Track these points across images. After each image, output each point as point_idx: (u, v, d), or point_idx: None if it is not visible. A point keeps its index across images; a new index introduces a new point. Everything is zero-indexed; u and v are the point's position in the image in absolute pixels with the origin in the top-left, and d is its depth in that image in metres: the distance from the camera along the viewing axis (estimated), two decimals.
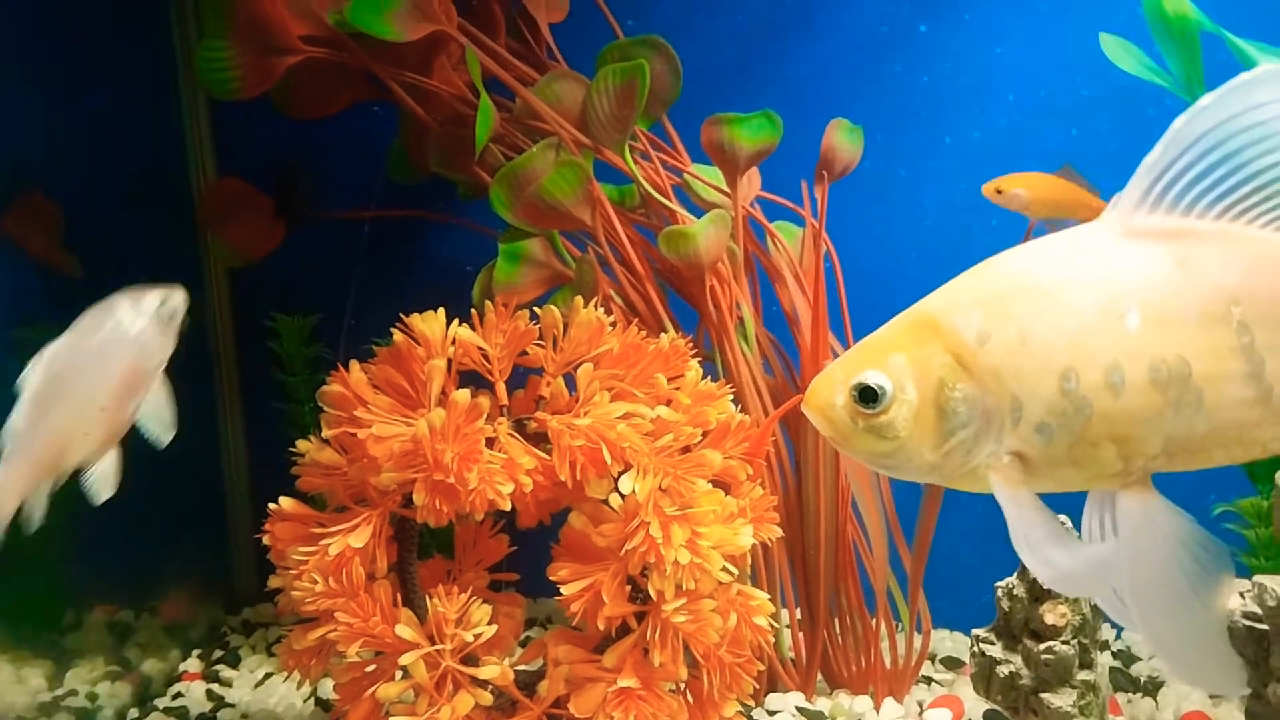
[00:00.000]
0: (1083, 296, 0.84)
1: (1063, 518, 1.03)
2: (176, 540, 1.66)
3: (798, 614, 1.36)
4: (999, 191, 1.34)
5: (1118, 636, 1.58)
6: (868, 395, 0.86)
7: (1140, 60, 1.39)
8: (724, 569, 1.11)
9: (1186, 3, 1.28)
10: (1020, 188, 1.31)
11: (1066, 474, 0.87)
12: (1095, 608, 1.20)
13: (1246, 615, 1.04)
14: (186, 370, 1.68)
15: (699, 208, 1.41)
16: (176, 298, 1.07)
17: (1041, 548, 0.84)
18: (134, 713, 1.47)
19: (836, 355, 1.35)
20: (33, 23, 1.38)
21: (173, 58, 1.57)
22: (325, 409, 1.20)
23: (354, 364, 1.21)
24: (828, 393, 0.88)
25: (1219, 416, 0.85)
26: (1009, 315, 0.85)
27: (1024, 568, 1.20)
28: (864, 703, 1.35)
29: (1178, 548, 0.86)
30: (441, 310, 1.21)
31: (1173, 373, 0.84)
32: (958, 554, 1.46)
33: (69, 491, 1.54)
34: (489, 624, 1.14)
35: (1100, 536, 0.88)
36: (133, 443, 1.57)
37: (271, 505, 1.19)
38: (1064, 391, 0.84)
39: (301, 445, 1.21)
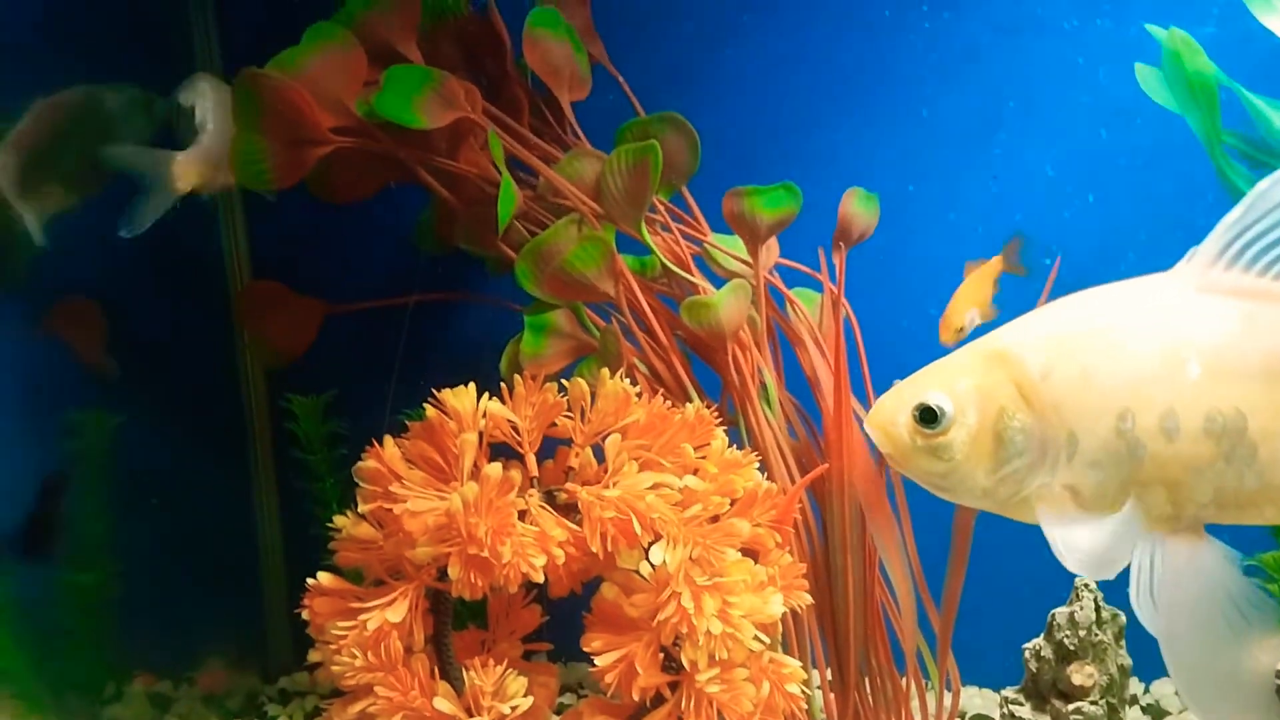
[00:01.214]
0: (1147, 342, 0.88)
1: None
2: (213, 610, 1.69)
3: (828, 675, 1.38)
4: (959, 330, 1.37)
5: (1146, 690, 1.58)
6: (928, 416, 0.90)
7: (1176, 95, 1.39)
8: (755, 637, 1.13)
9: (1206, 59, 1.31)
10: (968, 310, 1.34)
11: (1112, 497, 0.90)
12: (1123, 667, 1.21)
13: None
14: (223, 446, 1.73)
15: (719, 276, 1.44)
16: None
17: (1077, 541, 0.87)
18: None
19: (859, 417, 1.38)
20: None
21: None
22: (361, 484, 1.23)
23: (388, 439, 1.24)
24: (891, 411, 0.92)
25: (1272, 473, 0.87)
26: (1074, 353, 0.89)
27: (1050, 628, 1.22)
28: None
29: (1222, 598, 0.88)
30: (472, 385, 1.24)
31: (1228, 425, 0.86)
32: (985, 612, 1.47)
33: (107, 568, 1.59)
34: (525, 695, 1.16)
35: (1149, 571, 0.89)
36: (170, 520, 1.62)
37: (310, 580, 1.22)
38: (1119, 431, 0.87)
39: (339, 521, 1.24)
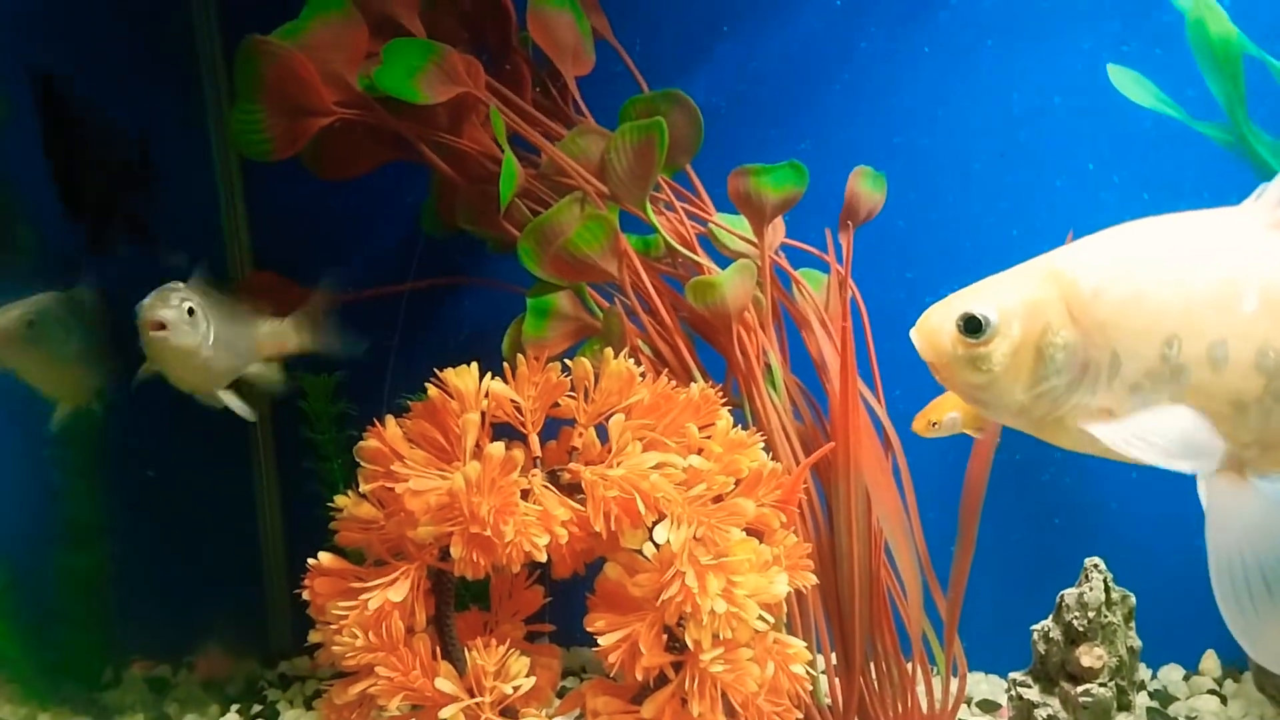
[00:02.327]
0: (1204, 270, 0.86)
1: None
2: (213, 595, 1.68)
3: (833, 659, 1.36)
4: (933, 424, 1.36)
5: (1154, 676, 1.57)
6: (973, 325, 0.90)
7: (1151, 92, 1.41)
8: (760, 617, 1.11)
9: (1230, 25, 1.30)
10: (951, 411, 1.32)
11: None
12: (1133, 649, 1.20)
13: None
14: (222, 430, 1.72)
15: (725, 256, 1.43)
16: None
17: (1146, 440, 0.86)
18: None
19: (865, 400, 1.37)
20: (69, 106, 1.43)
21: (204, 123, 1.60)
22: (362, 464, 1.22)
23: (389, 419, 1.22)
24: (938, 319, 0.92)
25: None
26: (1127, 274, 0.88)
27: (1059, 609, 1.20)
28: None
29: (1265, 538, 0.86)
30: (474, 364, 1.23)
31: None
32: (992, 596, 1.46)
33: (104, 552, 1.58)
34: (527, 676, 1.15)
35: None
36: (168, 503, 1.61)
37: (311, 560, 1.20)
38: (1164, 356, 0.87)
39: (339, 500, 1.23)
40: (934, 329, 0.92)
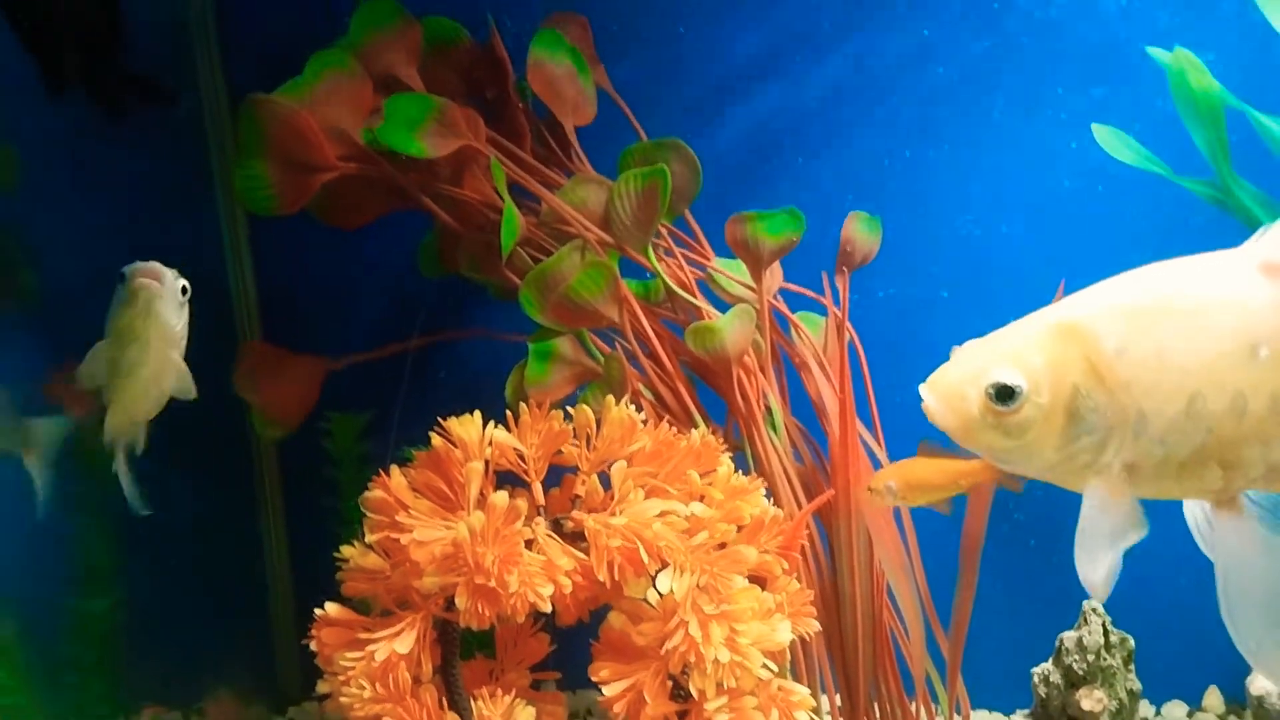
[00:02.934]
0: (1220, 323, 0.87)
1: None
2: (222, 641, 1.69)
3: (838, 701, 1.37)
4: (870, 489, 1.35)
5: (1157, 713, 1.57)
6: (1004, 394, 0.88)
7: (1136, 150, 1.43)
8: (764, 665, 1.12)
9: (1211, 79, 1.32)
10: (890, 479, 1.32)
11: (1169, 486, 0.90)
12: (1132, 692, 1.21)
13: None
14: (229, 474, 1.73)
15: (723, 300, 1.45)
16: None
17: (1097, 551, 0.88)
18: None
19: (864, 441, 1.38)
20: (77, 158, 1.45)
21: (211, 181, 1.63)
22: (368, 514, 1.23)
23: (394, 469, 1.24)
24: (958, 384, 0.89)
25: None
26: (1148, 331, 0.88)
27: (1059, 652, 1.21)
28: None
29: (1269, 563, 0.88)
30: (478, 413, 1.24)
31: None
32: (994, 635, 1.47)
33: (112, 599, 1.59)
34: None
35: (1206, 530, 0.91)
36: (177, 551, 1.62)
37: (318, 611, 1.22)
38: (1190, 413, 0.87)
39: (346, 551, 1.24)
40: (957, 395, 0.89)
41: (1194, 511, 0.91)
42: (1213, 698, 1.57)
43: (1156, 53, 1.37)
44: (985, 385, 0.88)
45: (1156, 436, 0.87)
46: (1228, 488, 0.89)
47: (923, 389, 0.91)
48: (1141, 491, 0.90)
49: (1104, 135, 1.41)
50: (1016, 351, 0.89)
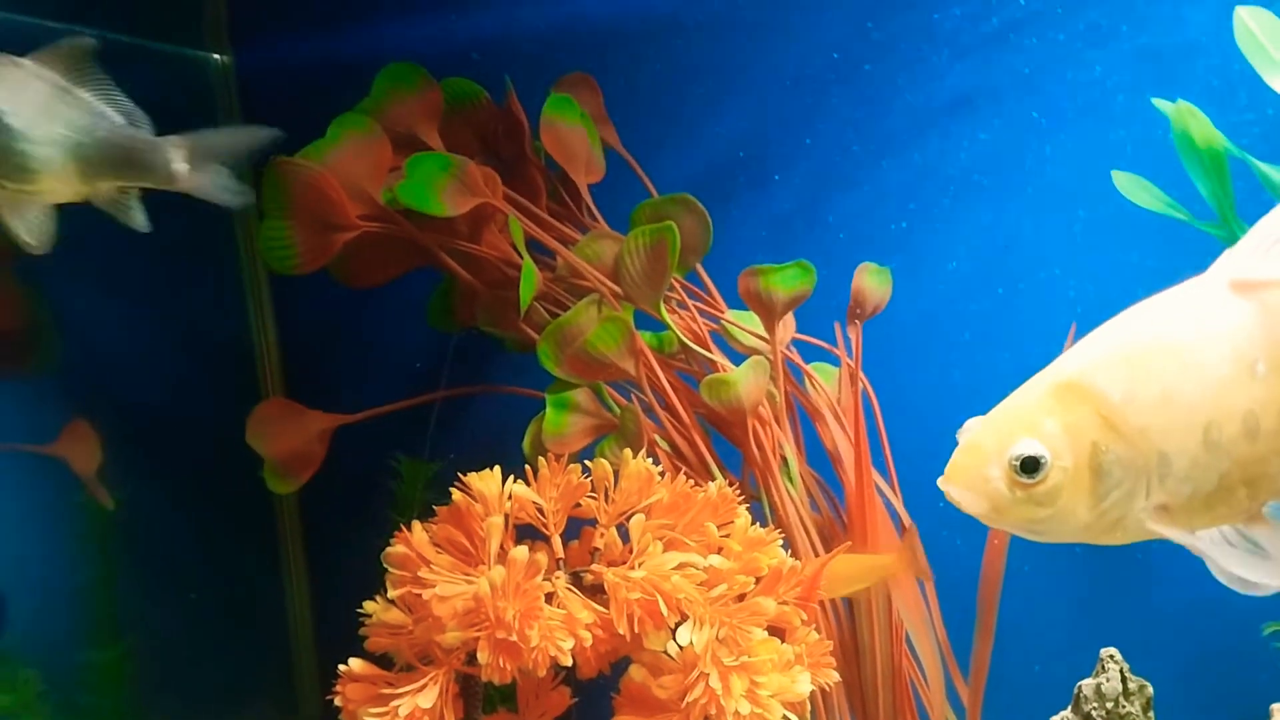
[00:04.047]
0: (1214, 350, 0.88)
1: None
2: (242, 690, 1.70)
3: None
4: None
5: None
6: (1029, 465, 0.87)
7: (1156, 196, 1.44)
8: (785, 717, 1.13)
9: (1214, 130, 1.35)
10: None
11: (1200, 518, 0.90)
12: None
13: None
14: (248, 522, 1.75)
15: (737, 352, 1.47)
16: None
17: (1249, 569, 0.88)
18: None
19: (880, 490, 1.39)
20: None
21: (234, 240, 1.66)
22: (390, 570, 1.24)
23: (415, 524, 1.25)
24: (979, 466, 0.89)
25: None
26: (1149, 374, 0.88)
27: (1077, 700, 1.22)
28: None
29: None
30: (497, 468, 1.26)
31: None
32: (1013, 682, 1.47)
33: (130, 649, 1.60)
34: None
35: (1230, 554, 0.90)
36: (193, 596, 1.63)
37: (342, 666, 1.23)
38: (1208, 443, 0.88)
39: (369, 606, 1.25)
40: (981, 479, 0.88)
41: (1211, 539, 0.90)
42: None
43: (1160, 104, 1.39)
44: (1008, 461, 0.87)
45: (1181, 474, 0.88)
46: (1253, 506, 0.89)
47: (943, 483, 0.90)
48: (1179, 528, 0.90)
49: (1123, 181, 1.42)
50: (1028, 421, 0.89)
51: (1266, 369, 0.87)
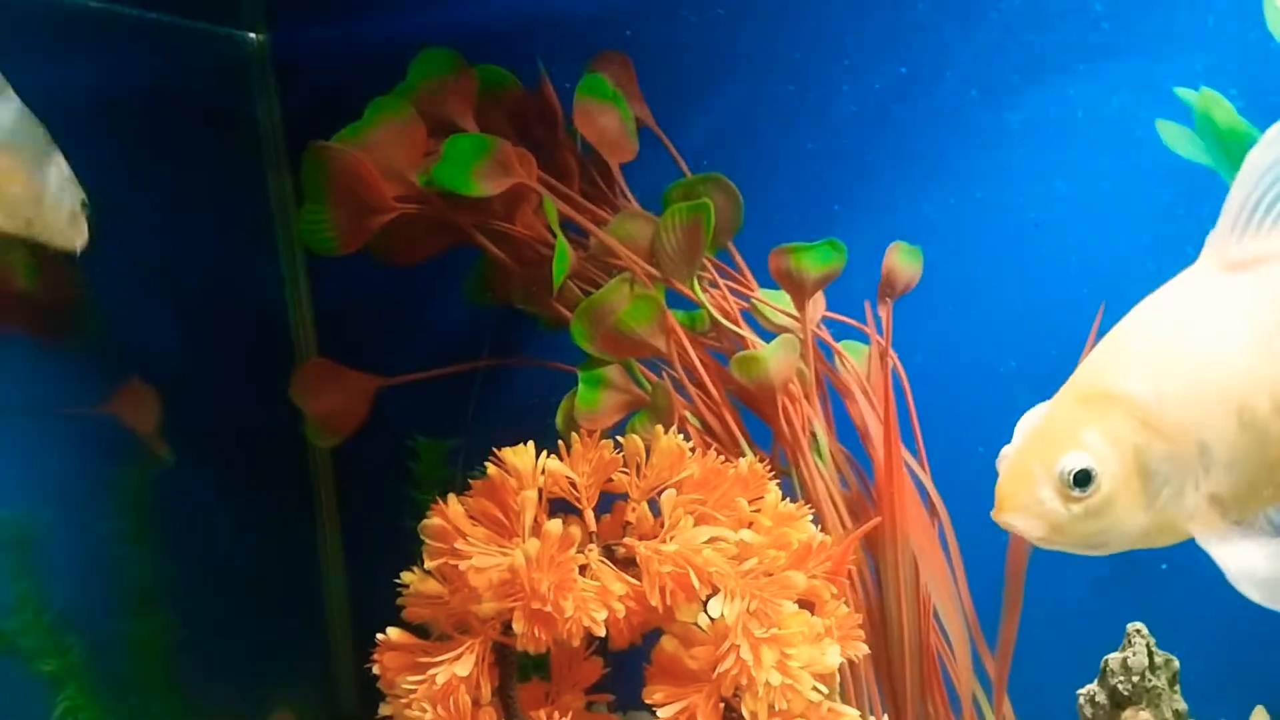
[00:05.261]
0: (1230, 334, 0.89)
1: None
2: (280, 661, 1.74)
3: None
4: None
5: None
6: (1081, 479, 0.88)
7: (1199, 146, 1.42)
8: (814, 688, 1.15)
9: (1236, 116, 1.34)
10: None
11: (1249, 503, 0.91)
12: (1178, 712, 1.22)
13: None
14: (285, 494, 1.78)
15: (768, 330, 1.48)
16: None
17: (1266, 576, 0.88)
18: None
19: (909, 467, 1.41)
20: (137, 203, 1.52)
21: (270, 219, 1.69)
22: (427, 541, 1.27)
23: (451, 497, 1.28)
24: (1029, 489, 0.89)
25: None
26: (1174, 369, 0.90)
27: (1104, 674, 1.23)
28: None
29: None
30: (531, 443, 1.28)
31: None
32: (1041, 655, 1.48)
33: (171, 619, 1.64)
34: None
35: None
36: (232, 566, 1.67)
37: (380, 635, 1.26)
38: (1244, 425, 0.89)
39: (406, 577, 1.28)
40: (1035, 501, 0.88)
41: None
42: (1260, 717, 1.58)
43: (1183, 93, 1.39)
44: (1058, 479, 0.88)
45: (1224, 461, 0.88)
46: None
47: (997, 515, 0.90)
48: (1232, 519, 0.90)
49: (1169, 131, 1.40)
50: (1068, 436, 0.89)
51: None
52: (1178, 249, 1.52)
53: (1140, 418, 0.88)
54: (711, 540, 1.21)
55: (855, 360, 1.49)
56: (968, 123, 1.59)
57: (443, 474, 1.64)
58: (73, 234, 1.14)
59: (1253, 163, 0.90)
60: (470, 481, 1.30)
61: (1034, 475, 0.89)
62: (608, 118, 1.49)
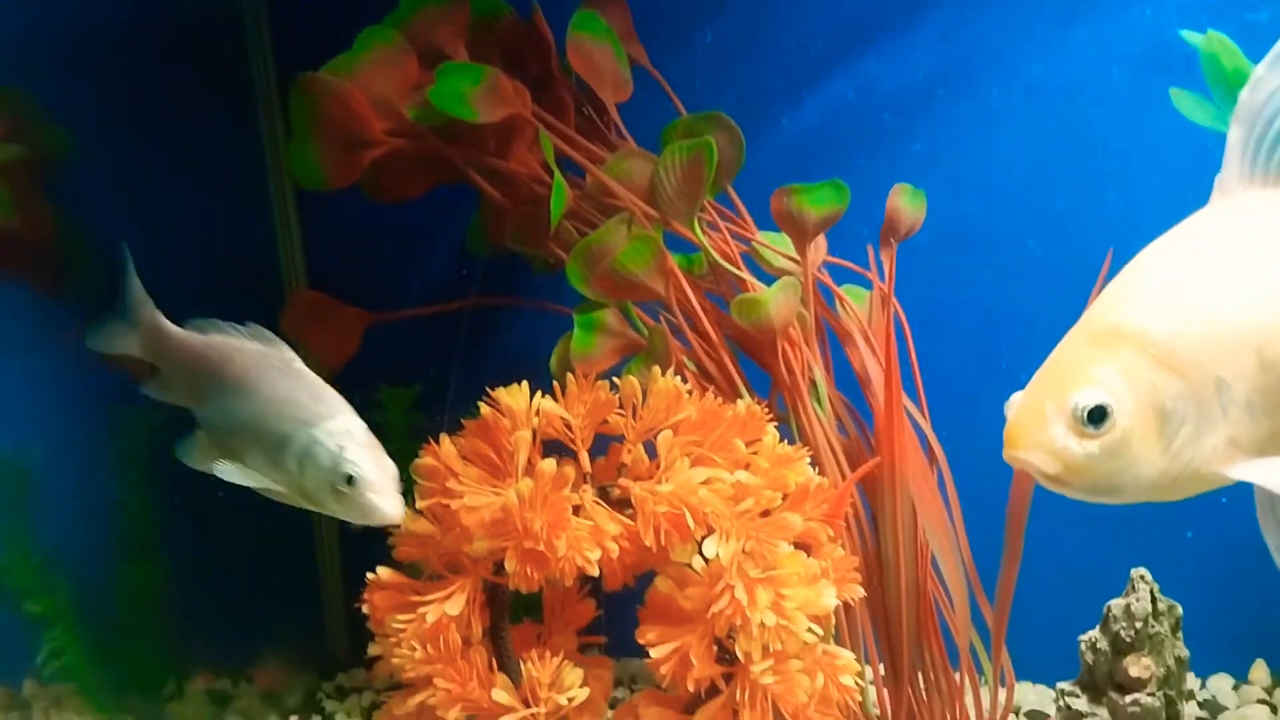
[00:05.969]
0: (1248, 269, 0.87)
1: None
2: (271, 608, 1.72)
3: (881, 670, 1.38)
4: None
5: (1203, 685, 1.57)
6: (1096, 415, 0.85)
7: (1212, 113, 1.40)
8: (809, 630, 1.13)
9: (1243, 59, 1.31)
10: None
11: (1270, 448, 0.88)
12: (1180, 659, 1.21)
13: None
14: None
15: (768, 274, 1.45)
16: None
17: None
18: None
19: (909, 413, 1.38)
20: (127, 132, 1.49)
21: (261, 155, 1.66)
22: (418, 480, 1.25)
23: (444, 437, 1.26)
24: (1042, 427, 0.86)
25: None
26: (1189, 305, 0.87)
27: (1106, 620, 1.22)
28: None
29: None
30: (525, 383, 1.26)
31: None
32: (1039, 605, 1.47)
33: (163, 565, 1.63)
34: (581, 686, 1.18)
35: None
36: (224, 513, 1.65)
37: (370, 575, 1.24)
38: (1263, 365, 0.86)
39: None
40: (1048, 438, 0.85)
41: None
42: (1259, 671, 1.57)
43: (1190, 35, 1.35)
44: (1071, 414, 0.85)
45: (1243, 400, 0.85)
46: None
47: (1008, 454, 0.87)
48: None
49: (1182, 99, 1.37)
50: (1081, 373, 0.86)
51: None
52: (1190, 194, 1.52)
53: (1154, 354, 0.86)
54: (707, 481, 1.19)
55: (857, 305, 1.46)
56: (978, 65, 1.55)
57: (410, 420, 1.61)
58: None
59: (1244, 103, 0.88)
60: (463, 422, 1.28)
61: (1046, 413, 0.86)
62: (602, 54, 1.45)
